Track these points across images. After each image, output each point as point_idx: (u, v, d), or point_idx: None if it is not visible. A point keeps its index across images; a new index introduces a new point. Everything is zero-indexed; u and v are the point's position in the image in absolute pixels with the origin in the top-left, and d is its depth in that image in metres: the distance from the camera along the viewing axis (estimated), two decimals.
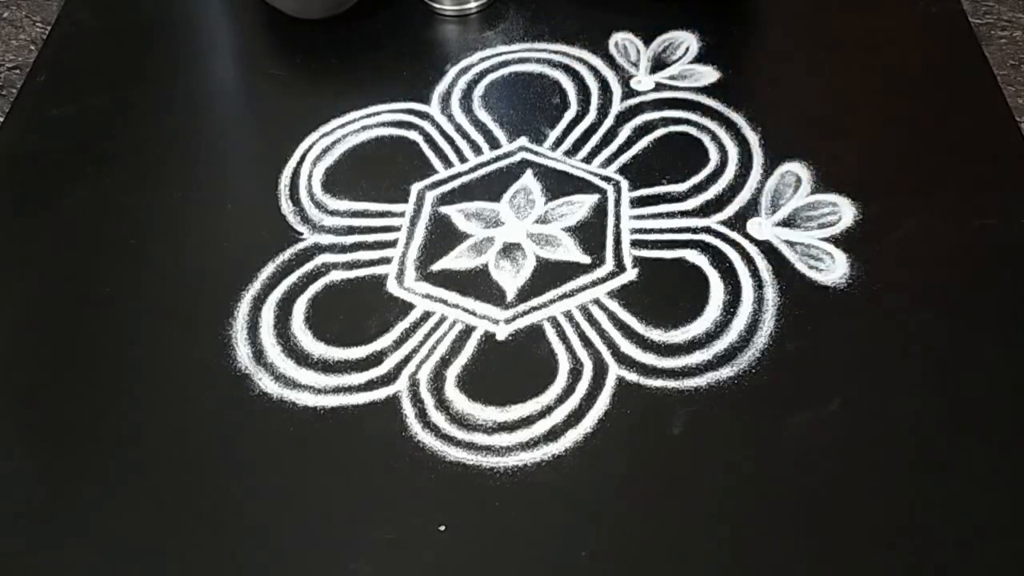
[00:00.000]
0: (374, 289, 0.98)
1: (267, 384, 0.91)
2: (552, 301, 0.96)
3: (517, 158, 1.09)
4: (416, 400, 0.90)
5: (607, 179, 1.07)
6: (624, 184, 1.06)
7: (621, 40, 1.22)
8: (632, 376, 0.90)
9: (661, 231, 1.02)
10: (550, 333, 0.94)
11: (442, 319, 0.96)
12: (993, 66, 1.19)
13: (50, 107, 1.17)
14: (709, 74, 1.17)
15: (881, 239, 1.00)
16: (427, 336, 0.94)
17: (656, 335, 0.93)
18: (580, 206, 1.04)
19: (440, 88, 1.17)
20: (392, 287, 0.98)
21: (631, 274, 0.98)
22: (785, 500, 0.83)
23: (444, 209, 1.05)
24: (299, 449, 0.87)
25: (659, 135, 1.11)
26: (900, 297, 0.96)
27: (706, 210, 1.04)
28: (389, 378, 0.91)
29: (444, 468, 0.85)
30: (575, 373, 0.91)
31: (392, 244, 1.02)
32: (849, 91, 1.16)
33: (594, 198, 1.05)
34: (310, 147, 1.12)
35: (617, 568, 0.80)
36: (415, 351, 0.93)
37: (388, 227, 1.04)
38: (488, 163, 1.09)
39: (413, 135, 1.12)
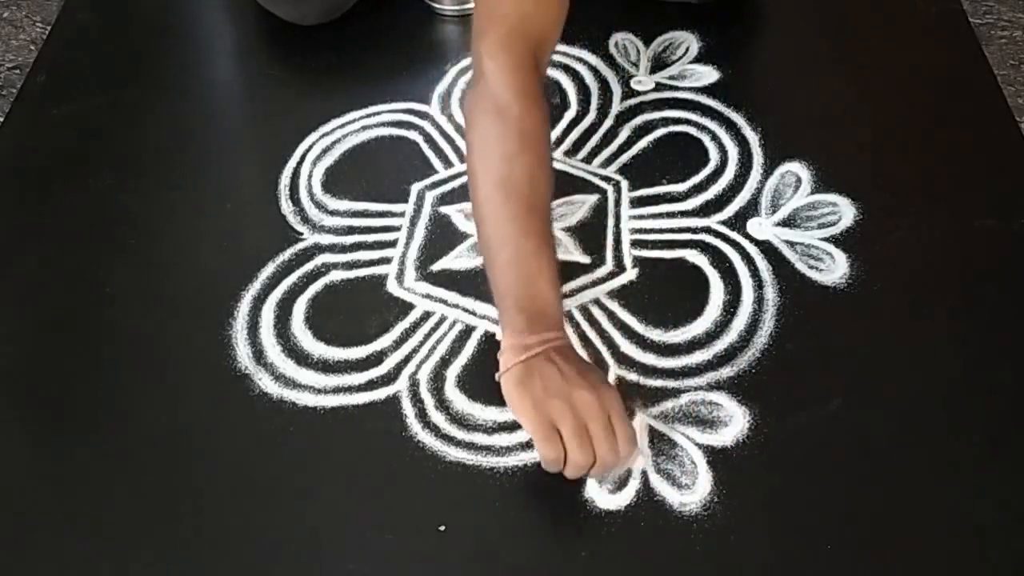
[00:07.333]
0: (374, 289, 0.98)
1: (267, 384, 0.91)
2: None
3: None
4: (416, 400, 0.90)
5: (607, 179, 1.07)
6: (624, 184, 1.06)
7: (621, 40, 1.22)
8: (632, 376, 0.90)
9: (661, 231, 1.02)
10: None
11: (442, 319, 0.96)
12: (993, 66, 1.19)
13: (50, 107, 1.17)
14: (709, 74, 1.17)
15: (881, 239, 1.00)
16: (427, 336, 0.94)
17: (656, 335, 0.93)
18: (580, 206, 1.04)
19: (440, 88, 1.17)
20: (392, 287, 0.98)
21: (631, 274, 0.98)
22: (784, 499, 0.83)
23: (444, 209, 1.05)
24: (299, 449, 0.87)
25: (659, 135, 1.11)
26: (900, 297, 0.96)
27: (706, 210, 1.04)
28: (389, 378, 0.91)
29: (444, 468, 0.85)
30: None
31: (392, 244, 1.02)
32: (849, 91, 1.16)
33: (594, 198, 1.05)
34: (310, 147, 1.11)
35: (617, 568, 0.80)
36: (415, 351, 0.93)
37: (388, 227, 1.04)
38: None
39: (413, 135, 1.12)
